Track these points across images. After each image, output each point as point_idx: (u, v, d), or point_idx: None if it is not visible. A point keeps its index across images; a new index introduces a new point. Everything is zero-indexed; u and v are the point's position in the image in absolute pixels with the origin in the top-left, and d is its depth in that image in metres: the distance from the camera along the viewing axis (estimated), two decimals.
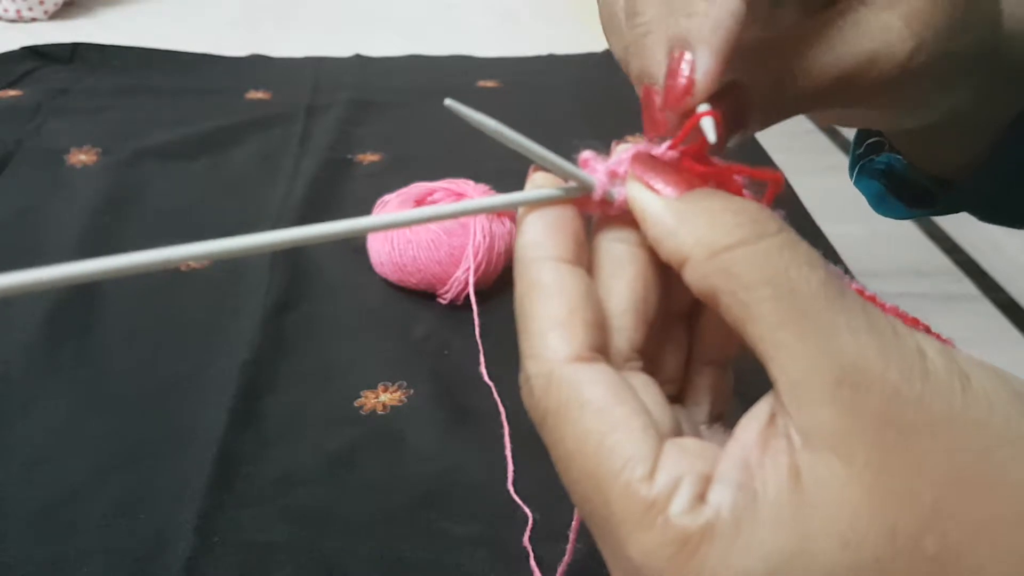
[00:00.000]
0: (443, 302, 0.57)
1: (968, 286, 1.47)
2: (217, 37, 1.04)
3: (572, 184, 0.21)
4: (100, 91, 0.88)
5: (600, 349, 0.20)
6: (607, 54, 1.01)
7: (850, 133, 0.39)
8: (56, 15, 1.10)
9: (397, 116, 0.85)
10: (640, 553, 0.17)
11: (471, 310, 0.55)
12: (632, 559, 0.17)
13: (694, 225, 0.19)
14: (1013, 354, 1.25)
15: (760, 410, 0.18)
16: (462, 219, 0.58)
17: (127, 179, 0.72)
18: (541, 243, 0.20)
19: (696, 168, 0.21)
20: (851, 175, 0.38)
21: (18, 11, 1.07)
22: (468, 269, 0.56)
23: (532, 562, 0.41)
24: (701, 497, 0.17)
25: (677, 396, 0.23)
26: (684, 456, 0.18)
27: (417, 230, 0.57)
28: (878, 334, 0.17)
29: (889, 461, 0.16)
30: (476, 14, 1.17)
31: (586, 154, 0.22)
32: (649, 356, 0.22)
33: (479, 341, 0.54)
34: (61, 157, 0.74)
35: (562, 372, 0.19)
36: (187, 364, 0.53)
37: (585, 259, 0.21)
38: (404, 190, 0.61)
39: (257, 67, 0.96)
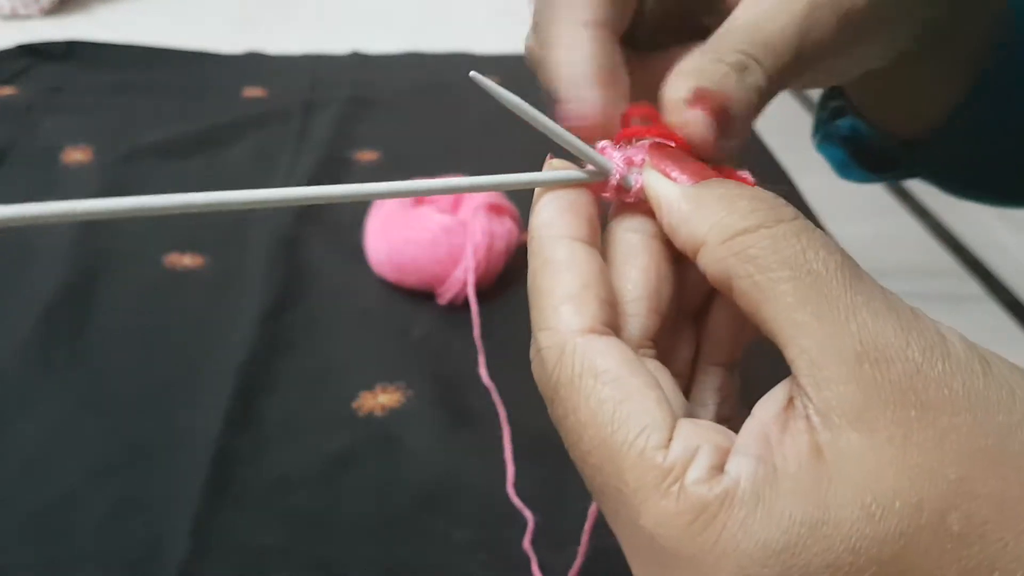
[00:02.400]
0: (442, 302, 0.57)
1: (974, 287, 1.47)
2: (213, 34, 1.03)
3: (590, 168, 0.21)
4: (95, 89, 0.87)
5: (612, 327, 0.20)
6: None
7: None
8: (51, 12, 1.09)
9: (395, 114, 0.84)
10: (654, 522, 0.17)
11: (470, 310, 0.55)
12: (645, 528, 0.17)
13: (710, 210, 0.19)
14: (1020, 355, 1.25)
15: (778, 393, 0.18)
16: (462, 218, 0.57)
17: (122, 177, 0.71)
18: (556, 222, 0.20)
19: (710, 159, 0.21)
20: (814, 140, 0.38)
21: (13, 8, 1.06)
22: (467, 269, 0.55)
23: (534, 566, 0.40)
24: (719, 467, 0.17)
25: (684, 395, 0.23)
26: (700, 429, 0.18)
27: (416, 228, 0.56)
28: (898, 314, 0.17)
29: (912, 437, 0.16)
30: (475, 10, 1.16)
31: (604, 142, 0.22)
32: (661, 350, 0.22)
33: (478, 342, 0.53)
34: (56, 155, 0.74)
35: (575, 343, 0.19)
36: (183, 365, 0.52)
37: (599, 243, 0.21)
38: None
39: (253, 64, 0.95)
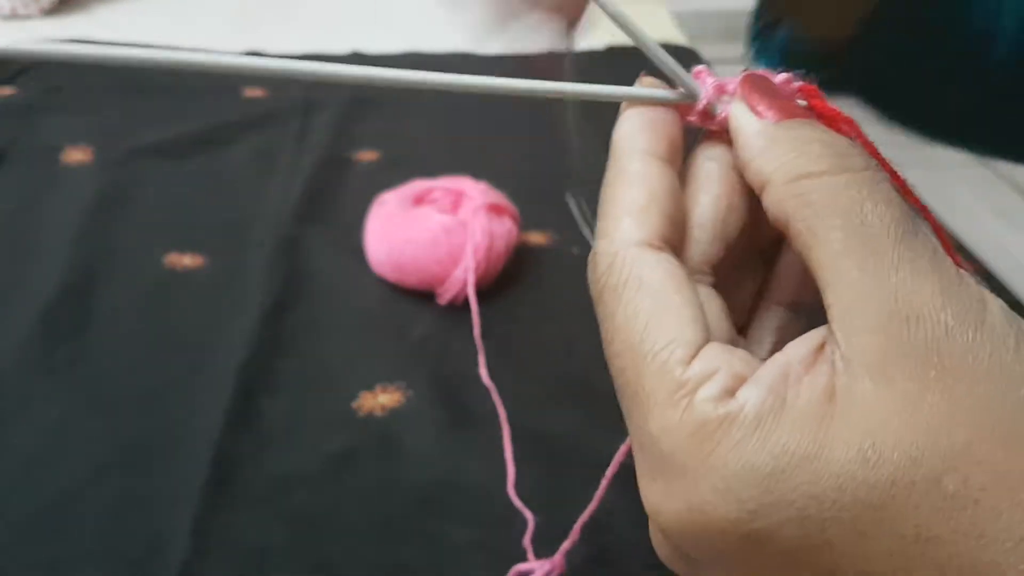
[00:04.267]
0: (442, 302, 0.57)
1: None
2: (213, 34, 1.03)
3: (680, 90, 0.22)
4: (95, 89, 0.87)
5: (673, 245, 0.20)
6: (609, 51, 1.00)
7: None
8: (51, 12, 1.09)
9: (395, 114, 0.84)
10: (660, 429, 0.18)
11: (470, 310, 0.55)
12: (651, 433, 0.18)
13: (782, 150, 0.19)
14: None
15: (813, 336, 0.19)
16: (461, 218, 0.57)
17: (122, 177, 0.71)
18: (636, 136, 0.21)
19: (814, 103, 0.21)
20: (750, 52, 0.39)
21: (13, 8, 1.06)
22: (467, 269, 0.55)
23: (530, 555, 0.40)
24: (731, 391, 0.18)
25: (740, 330, 0.23)
26: (726, 354, 0.18)
27: (416, 228, 0.56)
28: (941, 276, 0.17)
29: (925, 396, 0.16)
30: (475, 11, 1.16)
31: (699, 68, 0.22)
32: (722, 280, 0.22)
33: (478, 342, 0.53)
34: (55, 155, 0.74)
35: (628, 253, 0.20)
36: (183, 365, 0.52)
37: (678, 163, 0.21)
38: (402, 188, 0.61)
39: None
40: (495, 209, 0.58)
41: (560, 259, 0.62)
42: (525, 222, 0.62)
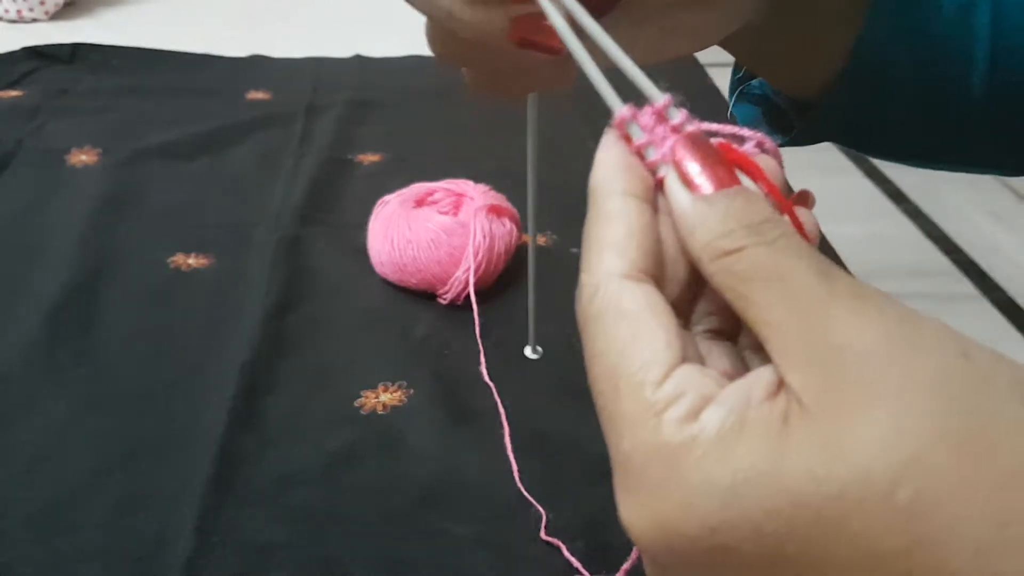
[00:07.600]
0: (443, 302, 0.58)
1: (967, 286, 1.48)
2: (217, 37, 1.04)
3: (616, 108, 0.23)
4: (100, 91, 0.88)
5: (655, 276, 0.21)
6: None
7: None
8: (57, 16, 1.10)
9: (397, 116, 0.85)
10: (630, 446, 0.19)
11: (471, 310, 0.55)
12: (624, 451, 0.19)
13: (707, 230, 0.21)
14: (1012, 354, 1.25)
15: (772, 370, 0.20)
16: (462, 219, 0.58)
17: (127, 179, 0.72)
18: (613, 178, 0.22)
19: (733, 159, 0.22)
20: (730, 99, 0.40)
21: (19, 11, 1.07)
22: (468, 269, 0.56)
23: (567, 553, 0.41)
24: (696, 413, 0.19)
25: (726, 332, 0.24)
26: (697, 376, 0.19)
27: (418, 230, 0.57)
28: (865, 304, 0.19)
29: (869, 413, 0.17)
30: None
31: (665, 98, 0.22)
32: (685, 316, 0.23)
33: (479, 341, 0.54)
34: (62, 157, 0.75)
35: (608, 284, 0.21)
36: (187, 364, 0.53)
37: (653, 201, 0.23)
38: (404, 190, 0.61)
39: (257, 67, 0.96)
40: (495, 211, 0.59)
41: (560, 260, 0.63)
42: (524, 224, 0.63)
